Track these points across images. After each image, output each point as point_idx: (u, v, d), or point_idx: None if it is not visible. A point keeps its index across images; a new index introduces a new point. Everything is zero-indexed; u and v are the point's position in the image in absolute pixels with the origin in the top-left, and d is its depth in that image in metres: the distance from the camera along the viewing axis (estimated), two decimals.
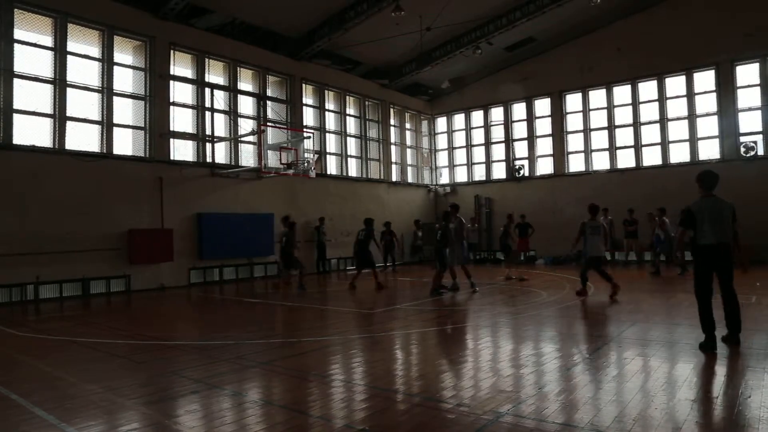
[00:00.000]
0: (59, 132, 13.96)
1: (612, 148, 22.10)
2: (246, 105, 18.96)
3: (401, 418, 4.41)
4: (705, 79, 20.17)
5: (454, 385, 5.28)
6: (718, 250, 6.23)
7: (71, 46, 14.41)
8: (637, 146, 21.43)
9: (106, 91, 14.96)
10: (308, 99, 21.23)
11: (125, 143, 15.61)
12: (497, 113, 25.50)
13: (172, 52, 16.47)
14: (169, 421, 4.39)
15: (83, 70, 14.68)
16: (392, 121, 25.31)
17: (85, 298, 13.82)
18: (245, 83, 19.10)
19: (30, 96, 13.64)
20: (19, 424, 4.37)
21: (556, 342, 7.29)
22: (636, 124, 21.51)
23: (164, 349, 7.46)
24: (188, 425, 4.30)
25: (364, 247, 14.25)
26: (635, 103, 21.57)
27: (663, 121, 20.85)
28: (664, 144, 20.72)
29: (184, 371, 5.99)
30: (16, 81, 13.30)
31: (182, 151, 16.89)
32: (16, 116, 13.28)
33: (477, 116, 26.23)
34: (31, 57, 13.75)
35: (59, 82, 14.01)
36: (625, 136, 21.90)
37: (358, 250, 14.37)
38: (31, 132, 13.61)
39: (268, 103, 19.39)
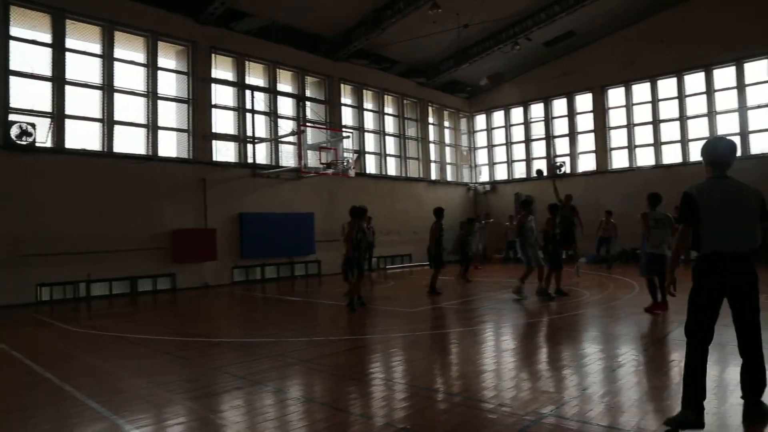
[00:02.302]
0: (108, 135, 14.45)
1: (657, 144, 21.52)
2: (285, 106, 19.20)
3: (442, 417, 4.40)
4: (757, 70, 19.42)
5: (495, 385, 5.24)
6: (734, 264, 3.84)
7: (118, 53, 14.89)
8: (684, 141, 20.81)
9: (152, 96, 15.39)
10: (346, 99, 21.36)
11: (170, 145, 16.04)
12: (537, 110, 25.14)
13: (213, 55, 16.82)
14: (213, 416, 4.50)
15: (130, 76, 15.16)
16: (431, 120, 25.23)
17: (133, 295, 14.25)
18: (284, 84, 19.35)
19: (80, 102, 14.15)
20: (72, 416, 4.57)
21: (600, 342, 7.14)
22: (682, 118, 20.88)
23: (208, 346, 7.63)
24: (232, 420, 4.39)
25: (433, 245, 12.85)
26: (681, 97, 20.94)
27: (711, 114, 20.18)
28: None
29: (228, 368, 6.11)
30: (68, 88, 13.83)
31: (224, 152, 17.23)
32: (68, 121, 13.81)
33: (516, 113, 25.91)
34: (81, 64, 14.26)
35: (107, 88, 14.49)
36: (670, 131, 21.29)
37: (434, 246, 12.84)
38: (81, 136, 14.15)
39: (307, 103, 19.57)
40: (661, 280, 8.82)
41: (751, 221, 3.90)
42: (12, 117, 12.82)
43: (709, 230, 3.90)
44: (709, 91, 20.28)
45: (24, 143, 12.79)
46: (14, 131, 12.70)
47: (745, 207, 3.90)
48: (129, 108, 15.06)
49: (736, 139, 19.05)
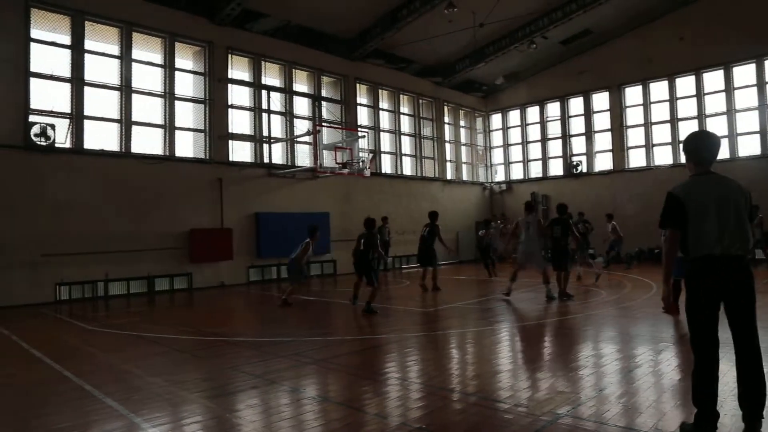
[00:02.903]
0: (125, 136, 14.61)
1: (675, 142, 21.24)
2: (301, 106, 19.27)
3: (457, 417, 4.39)
4: None
5: (511, 385, 5.21)
6: (727, 267, 3.57)
7: (136, 54, 15.05)
8: None
9: (169, 96, 15.53)
10: (362, 98, 21.38)
11: (186, 145, 16.17)
12: (553, 108, 24.96)
13: (229, 56, 16.93)
14: (230, 415, 4.52)
15: (147, 77, 15.32)
16: (446, 119, 25.16)
17: (150, 294, 14.40)
18: (300, 84, 19.43)
19: (99, 102, 14.33)
20: (91, 413, 4.62)
21: (617, 342, 7.08)
22: (701, 116, 20.59)
23: (225, 345, 7.68)
24: (248, 419, 4.42)
25: (428, 245, 13.52)
26: (700, 95, 20.66)
27: (730, 112, 19.88)
28: (732, 136, 19.72)
29: (244, 367, 6.14)
30: (86, 89, 14.00)
31: (240, 152, 17.33)
32: (86, 122, 13.98)
33: (532, 112, 25.75)
34: (100, 65, 14.44)
35: (125, 89, 14.65)
36: (689, 130, 20.90)
37: (421, 247, 13.72)
38: (100, 137, 14.33)
39: (323, 103, 19.63)
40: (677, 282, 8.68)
41: (743, 220, 3.61)
42: (32, 118, 13.02)
43: (698, 233, 3.62)
44: (729, 88, 19.99)
45: (44, 144, 12.99)
46: (34, 132, 12.90)
47: (736, 205, 3.61)
48: (146, 108, 15.22)
49: (756, 138, 19.03)
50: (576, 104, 24.18)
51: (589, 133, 23.66)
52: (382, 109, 22.14)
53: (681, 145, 3.55)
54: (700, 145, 3.82)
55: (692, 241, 3.65)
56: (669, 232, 3.80)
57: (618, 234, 17.81)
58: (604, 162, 23.35)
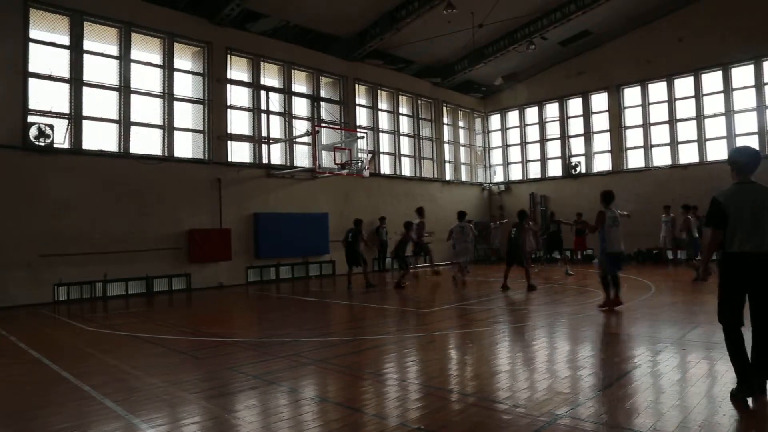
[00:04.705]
0: (124, 136, 14.60)
1: (673, 143, 21.28)
2: (300, 106, 19.27)
3: (456, 417, 4.38)
4: None
5: (509, 386, 5.21)
6: (757, 262, 4.33)
7: (135, 54, 15.04)
8: (701, 140, 20.56)
9: (167, 97, 15.53)
10: (361, 99, 21.38)
11: (185, 146, 16.16)
12: (552, 109, 24.99)
13: (228, 56, 16.93)
14: (228, 416, 4.52)
15: (146, 77, 15.31)
16: (445, 120, 25.17)
17: (148, 295, 14.38)
18: (299, 85, 19.43)
19: (98, 103, 14.31)
20: (89, 414, 4.62)
21: (615, 343, 7.08)
22: (699, 117, 20.62)
23: (223, 345, 7.67)
24: (247, 420, 4.41)
25: (355, 248, 14.93)
26: (698, 96, 20.69)
27: (729, 113, 19.90)
28: (731, 137, 19.75)
29: (242, 367, 6.14)
30: (85, 89, 13.99)
31: (239, 153, 17.32)
32: (85, 122, 13.96)
33: (531, 113, 25.77)
34: (99, 66, 14.43)
35: (124, 89, 14.65)
36: (687, 130, 21.05)
37: (348, 250, 14.92)
38: (98, 137, 14.31)
39: (322, 104, 19.63)
40: (615, 278, 9.47)
41: None
42: (31, 118, 13.01)
43: (735, 232, 4.39)
44: (727, 89, 20.02)
45: (42, 144, 12.98)
46: (33, 132, 12.89)
47: None
48: (145, 109, 15.21)
49: (755, 138, 19.02)
50: (575, 105, 24.21)
51: (587, 134, 23.69)
52: (381, 110, 22.15)
53: (728, 158, 4.82)
54: (741, 158, 4.60)
55: (729, 238, 4.44)
56: (710, 230, 4.60)
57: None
58: (602, 163, 23.38)
